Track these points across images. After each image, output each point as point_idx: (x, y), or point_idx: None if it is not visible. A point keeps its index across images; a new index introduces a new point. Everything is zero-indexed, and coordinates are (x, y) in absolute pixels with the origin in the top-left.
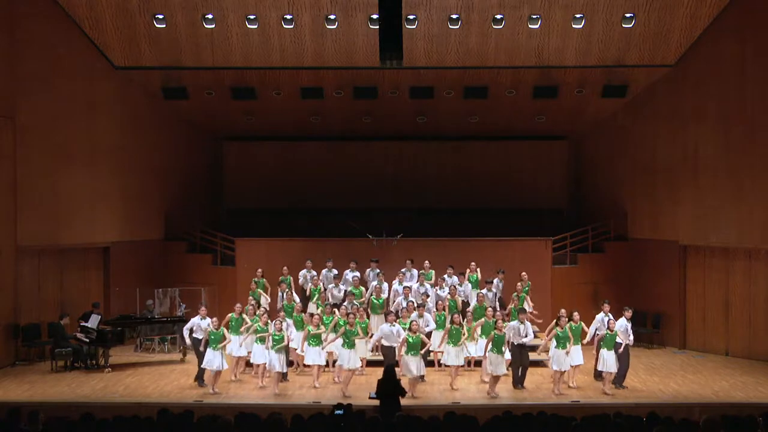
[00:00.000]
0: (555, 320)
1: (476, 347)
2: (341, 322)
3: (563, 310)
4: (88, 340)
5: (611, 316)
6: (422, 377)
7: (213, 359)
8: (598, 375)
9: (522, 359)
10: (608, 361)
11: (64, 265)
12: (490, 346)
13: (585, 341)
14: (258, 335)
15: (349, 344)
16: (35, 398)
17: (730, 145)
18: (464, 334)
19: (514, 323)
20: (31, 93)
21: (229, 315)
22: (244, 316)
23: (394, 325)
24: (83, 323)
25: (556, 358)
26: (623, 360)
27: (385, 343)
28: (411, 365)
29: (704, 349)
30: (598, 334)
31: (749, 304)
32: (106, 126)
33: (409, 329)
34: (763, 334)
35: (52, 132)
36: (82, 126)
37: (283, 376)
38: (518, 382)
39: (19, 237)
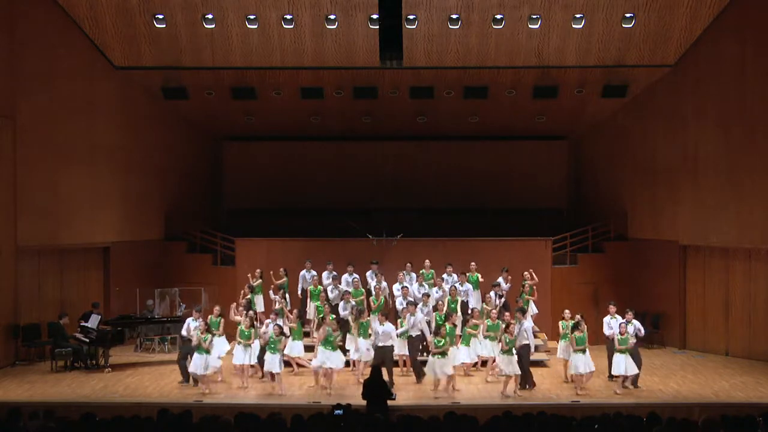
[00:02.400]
0: (575, 324)
1: (482, 347)
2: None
3: (578, 315)
4: (88, 340)
5: (619, 318)
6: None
7: (206, 362)
8: (612, 377)
9: (522, 360)
10: (620, 365)
11: (64, 265)
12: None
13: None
14: (243, 341)
15: (333, 346)
16: (35, 398)
17: (730, 145)
18: (460, 336)
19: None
20: (31, 93)
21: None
22: (239, 318)
23: (383, 325)
24: (83, 323)
25: (574, 362)
26: (636, 360)
27: (378, 343)
28: (434, 366)
29: (704, 349)
30: (608, 337)
31: (749, 304)
32: (106, 126)
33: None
34: (763, 334)
35: (52, 132)
36: (82, 126)
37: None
38: (525, 383)
39: (19, 237)
